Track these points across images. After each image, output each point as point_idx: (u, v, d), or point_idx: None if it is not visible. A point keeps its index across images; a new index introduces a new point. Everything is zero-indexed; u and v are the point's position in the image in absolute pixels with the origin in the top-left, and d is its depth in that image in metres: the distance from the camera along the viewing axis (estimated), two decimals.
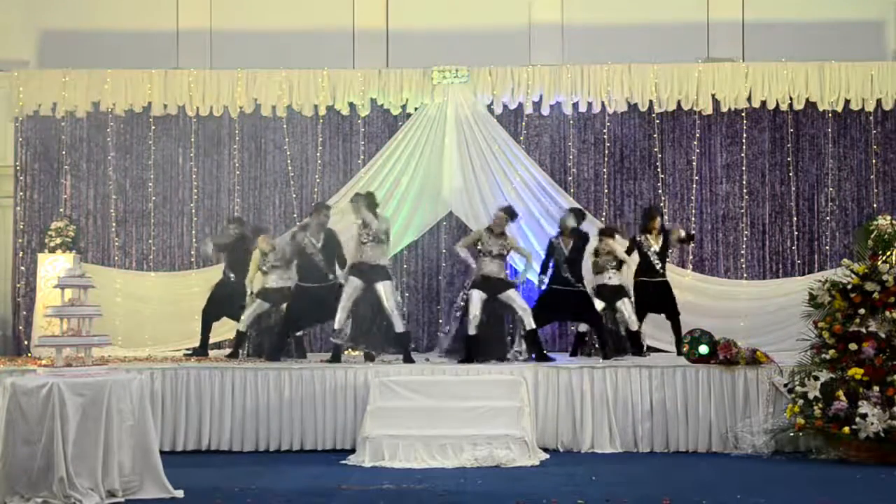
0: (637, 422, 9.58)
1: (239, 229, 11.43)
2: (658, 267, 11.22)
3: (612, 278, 11.02)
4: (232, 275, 11.34)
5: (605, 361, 10.12)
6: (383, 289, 10.20)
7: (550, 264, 10.76)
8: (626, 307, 10.97)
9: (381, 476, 8.21)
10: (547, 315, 10.71)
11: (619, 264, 11.11)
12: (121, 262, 12.66)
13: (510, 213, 10.65)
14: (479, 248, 10.53)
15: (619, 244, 11.22)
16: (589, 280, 11.10)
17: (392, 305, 10.22)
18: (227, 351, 11.39)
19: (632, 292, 11.14)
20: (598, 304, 10.92)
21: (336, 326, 10.25)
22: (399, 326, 10.28)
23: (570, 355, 10.99)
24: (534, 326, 10.33)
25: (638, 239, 11.32)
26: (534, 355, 10.37)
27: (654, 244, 11.24)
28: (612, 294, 11.02)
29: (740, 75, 12.43)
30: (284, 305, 10.95)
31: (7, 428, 7.08)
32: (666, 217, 12.38)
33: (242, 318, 11.02)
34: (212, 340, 11.65)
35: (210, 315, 11.34)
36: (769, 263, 12.55)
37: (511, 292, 10.44)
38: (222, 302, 11.30)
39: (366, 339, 10.64)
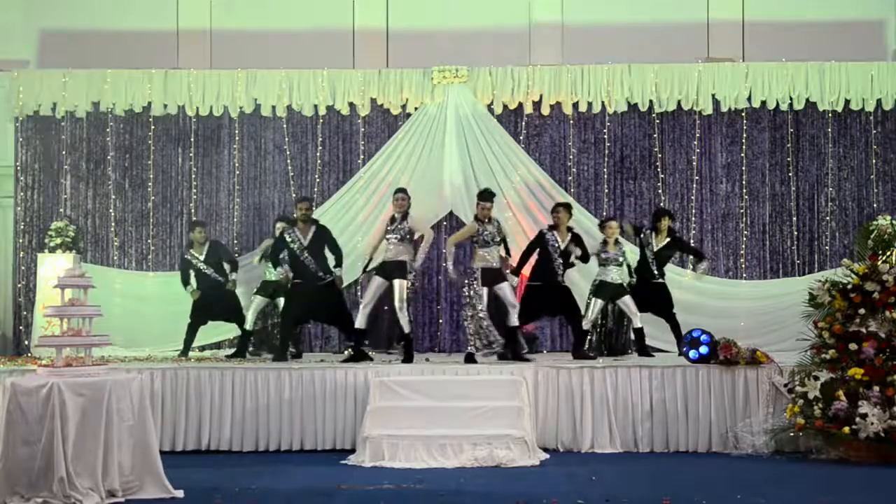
0: (637, 422, 9.57)
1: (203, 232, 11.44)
2: (654, 269, 11.22)
3: (615, 277, 11.01)
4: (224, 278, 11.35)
5: (605, 361, 10.12)
6: (397, 286, 10.19)
7: (533, 257, 10.81)
8: (627, 304, 10.98)
9: (381, 476, 8.20)
10: (531, 311, 10.70)
11: (623, 259, 11.12)
12: (120, 263, 12.66)
13: (487, 196, 10.51)
14: (474, 240, 10.47)
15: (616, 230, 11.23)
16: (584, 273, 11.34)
17: (400, 304, 10.19)
18: (228, 351, 11.40)
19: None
20: (598, 303, 10.96)
21: (357, 326, 10.24)
22: (405, 327, 10.28)
23: (573, 356, 10.98)
24: (517, 323, 10.35)
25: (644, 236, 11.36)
26: (510, 353, 10.40)
27: (655, 244, 11.25)
28: (613, 292, 11.02)
29: (740, 75, 12.44)
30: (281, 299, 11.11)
31: (7, 428, 7.07)
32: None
33: (248, 317, 11.07)
34: (212, 340, 11.68)
35: (196, 321, 11.32)
36: (769, 263, 12.56)
37: (504, 285, 10.44)
38: (208, 306, 11.29)
39: (376, 335, 10.70)
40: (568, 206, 10.95)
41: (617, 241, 11.13)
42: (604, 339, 11.27)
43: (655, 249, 11.25)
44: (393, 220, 10.40)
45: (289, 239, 10.55)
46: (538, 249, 10.78)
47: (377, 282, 10.30)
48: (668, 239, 11.32)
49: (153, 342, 12.10)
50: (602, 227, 11.25)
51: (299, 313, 10.69)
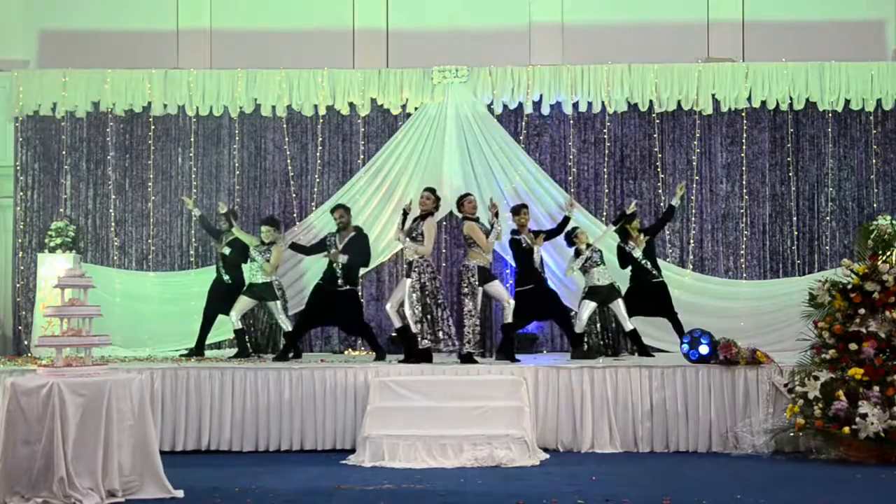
0: (637, 422, 9.57)
1: (232, 223, 11.41)
2: (649, 268, 11.22)
3: (601, 279, 11.01)
4: (227, 276, 11.37)
5: (605, 361, 10.12)
6: (408, 285, 10.10)
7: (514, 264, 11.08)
8: (619, 308, 10.98)
9: (381, 476, 8.20)
10: (522, 316, 10.68)
11: (602, 259, 11.12)
12: (120, 262, 12.66)
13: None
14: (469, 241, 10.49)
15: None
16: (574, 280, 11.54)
17: (406, 304, 10.11)
18: (231, 351, 11.41)
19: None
20: (590, 306, 10.95)
21: (415, 331, 10.13)
22: (413, 327, 10.22)
23: (571, 357, 10.98)
24: (511, 321, 10.39)
25: (621, 245, 11.34)
26: (502, 352, 10.48)
27: (638, 247, 11.24)
28: (606, 295, 11.02)
29: (740, 75, 12.43)
30: (271, 303, 11.18)
31: (7, 428, 7.07)
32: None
33: (232, 316, 11.06)
34: (211, 340, 11.67)
35: (210, 315, 11.35)
36: (769, 263, 12.56)
37: (496, 283, 10.51)
38: (220, 302, 11.33)
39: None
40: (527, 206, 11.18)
41: (588, 245, 11.11)
42: (605, 342, 11.25)
43: (640, 252, 11.23)
44: (415, 218, 10.30)
45: (328, 243, 10.86)
46: (515, 253, 10.90)
47: (404, 283, 10.30)
48: (646, 237, 11.32)
49: (153, 342, 12.11)
50: (571, 237, 11.18)
51: (317, 315, 10.80)
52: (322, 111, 12.62)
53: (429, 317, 9.97)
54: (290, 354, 10.63)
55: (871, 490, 7.71)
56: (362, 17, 13.10)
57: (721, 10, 13.01)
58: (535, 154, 12.55)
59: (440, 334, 10.01)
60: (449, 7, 13.13)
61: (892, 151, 12.59)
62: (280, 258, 11.26)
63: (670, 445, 9.58)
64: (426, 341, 9.95)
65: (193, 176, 12.69)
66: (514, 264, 11.26)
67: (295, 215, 12.57)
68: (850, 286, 9.19)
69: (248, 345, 11.15)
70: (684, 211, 12.56)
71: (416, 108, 12.48)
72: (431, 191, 10.41)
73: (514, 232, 10.92)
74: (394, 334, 11.14)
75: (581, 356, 10.44)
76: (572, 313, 11.02)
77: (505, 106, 12.54)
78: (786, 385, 9.38)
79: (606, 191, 12.58)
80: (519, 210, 11.00)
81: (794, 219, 12.56)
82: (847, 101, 12.47)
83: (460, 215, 10.74)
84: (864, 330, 9.01)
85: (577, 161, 12.62)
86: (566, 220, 11.21)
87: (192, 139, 12.72)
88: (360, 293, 11.72)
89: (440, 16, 13.11)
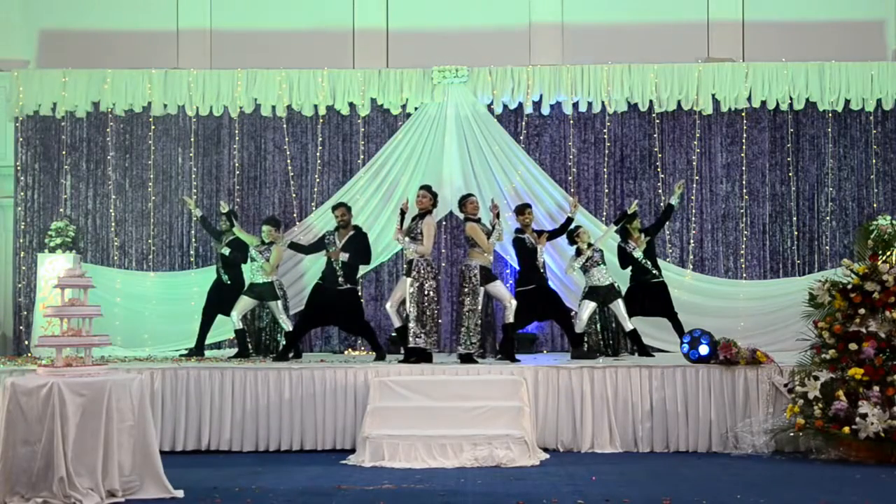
0: (637, 422, 9.57)
1: (231, 225, 11.41)
2: (650, 268, 11.21)
3: (601, 279, 10.99)
4: (226, 276, 11.39)
5: (605, 361, 10.12)
6: (407, 284, 10.09)
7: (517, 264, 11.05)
8: (619, 308, 10.97)
9: (381, 476, 8.20)
10: (522, 316, 10.64)
11: (602, 258, 11.11)
12: (120, 262, 12.66)
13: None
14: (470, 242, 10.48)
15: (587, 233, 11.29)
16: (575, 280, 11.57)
17: (407, 303, 10.10)
18: (231, 351, 11.41)
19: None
20: (590, 305, 10.94)
21: (410, 328, 10.11)
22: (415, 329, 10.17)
23: (571, 357, 10.98)
24: (512, 321, 10.39)
25: (622, 245, 11.34)
26: (501, 352, 10.51)
27: (638, 247, 11.23)
28: (605, 295, 11.01)
29: (740, 75, 12.44)
30: (272, 302, 11.16)
31: (7, 428, 7.07)
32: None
33: (233, 316, 11.06)
34: (211, 340, 11.68)
35: (209, 315, 11.37)
36: (769, 263, 12.56)
37: (497, 283, 10.50)
38: (219, 302, 11.34)
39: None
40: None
41: (590, 245, 11.10)
42: (605, 342, 11.24)
43: (641, 252, 11.21)
44: (413, 217, 10.26)
45: (327, 242, 10.84)
46: (518, 252, 10.86)
47: (404, 281, 10.27)
48: (646, 237, 11.31)
49: (153, 342, 12.12)
50: (573, 235, 11.15)
51: (317, 315, 10.78)
52: (322, 111, 12.62)
53: (423, 316, 9.96)
54: (291, 354, 10.63)
55: (871, 490, 7.70)
56: (362, 17, 13.10)
57: (721, 10, 13.02)
58: (535, 154, 12.55)
59: (432, 334, 9.99)
60: (449, 7, 13.14)
61: (892, 151, 12.60)
62: (280, 258, 11.26)
63: (670, 445, 9.58)
64: (419, 340, 9.95)
65: (193, 176, 12.70)
66: (516, 264, 11.24)
67: (295, 215, 12.57)
68: (850, 286, 9.19)
69: (249, 345, 11.17)
70: (684, 211, 12.56)
71: (416, 108, 12.48)
72: (427, 188, 10.39)
73: (517, 231, 10.90)
74: (394, 334, 11.15)
75: (581, 356, 10.44)
76: (572, 313, 11.02)
77: (505, 106, 12.54)
78: (786, 385, 9.38)
79: (606, 191, 12.59)
80: (523, 210, 10.98)
81: (794, 219, 12.57)
82: (847, 101, 12.48)
83: (462, 216, 10.73)
84: (864, 330, 9.01)
85: (577, 161, 12.63)
86: (569, 220, 11.19)
87: (192, 139, 12.73)
88: (359, 292, 11.72)
89: (440, 16, 13.11)
